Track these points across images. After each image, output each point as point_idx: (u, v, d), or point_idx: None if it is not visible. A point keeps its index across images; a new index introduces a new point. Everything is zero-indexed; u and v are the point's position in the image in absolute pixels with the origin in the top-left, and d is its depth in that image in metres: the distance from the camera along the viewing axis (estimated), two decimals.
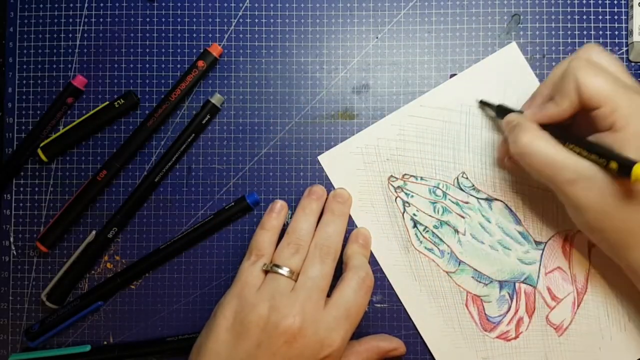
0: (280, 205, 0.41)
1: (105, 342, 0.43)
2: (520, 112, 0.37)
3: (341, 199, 0.41)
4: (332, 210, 0.40)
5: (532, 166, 0.34)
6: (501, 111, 0.39)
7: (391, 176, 0.42)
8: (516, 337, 0.41)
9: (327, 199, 0.41)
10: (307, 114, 0.43)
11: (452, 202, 0.41)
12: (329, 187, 0.42)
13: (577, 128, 0.36)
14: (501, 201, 0.41)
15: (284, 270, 0.36)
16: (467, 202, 0.41)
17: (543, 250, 0.41)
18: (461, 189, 0.41)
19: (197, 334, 0.41)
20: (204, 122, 0.42)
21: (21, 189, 0.43)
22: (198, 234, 0.42)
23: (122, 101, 0.42)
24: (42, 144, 0.42)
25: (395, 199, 0.42)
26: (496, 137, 0.41)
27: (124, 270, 0.43)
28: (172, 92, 0.42)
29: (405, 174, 0.42)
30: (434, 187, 0.42)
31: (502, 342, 0.41)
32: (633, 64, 0.42)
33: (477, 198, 0.41)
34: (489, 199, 0.41)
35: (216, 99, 0.42)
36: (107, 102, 0.42)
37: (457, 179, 0.41)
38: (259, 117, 0.43)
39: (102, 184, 0.42)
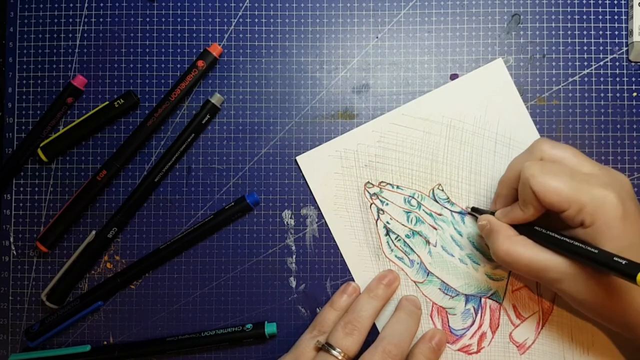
0: (352, 288, 0.41)
1: (105, 342, 0.43)
2: (492, 212, 0.38)
3: (414, 304, 0.40)
4: (404, 309, 0.40)
5: (516, 270, 0.34)
6: (475, 211, 0.40)
7: (368, 182, 0.42)
8: (478, 351, 0.41)
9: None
10: (307, 114, 0.43)
11: (426, 213, 0.41)
12: (305, 188, 0.42)
13: (550, 220, 0.35)
14: (474, 215, 0.41)
15: (337, 352, 0.36)
16: (440, 214, 0.41)
17: None
18: (436, 201, 0.41)
19: (197, 334, 0.42)
20: (203, 122, 0.42)
21: (21, 189, 0.43)
22: (198, 234, 0.42)
23: (122, 101, 0.42)
24: (42, 144, 0.42)
25: (370, 205, 0.42)
26: (475, 153, 0.41)
27: (124, 270, 0.43)
28: (172, 92, 0.42)
29: (382, 182, 0.42)
30: (410, 196, 0.42)
31: (463, 355, 0.41)
32: (633, 64, 0.42)
33: (451, 211, 0.41)
34: (463, 213, 0.41)
35: (216, 99, 0.42)
36: (107, 102, 0.42)
37: (433, 191, 0.42)
38: (259, 117, 0.43)
39: (102, 184, 0.42)
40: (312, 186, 0.42)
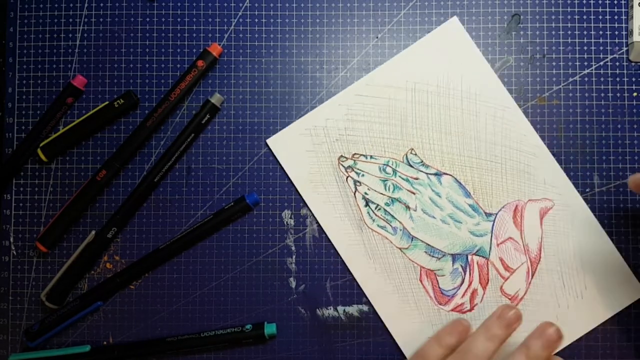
0: (464, 328, 0.38)
1: (105, 342, 0.43)
2: None
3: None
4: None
5: None
6: None
7: (341, 156, 0.42)
8: (471, 309, 0.41)
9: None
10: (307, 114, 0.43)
11: (402, 178, 0.42)
12: (280, 171, 0.42)
13: None
14: (450, 175, 0.41)
15: None
16: (416, 178, 0.41)
17: (494, 221, 0.41)
18: (410, 165, 0.42)
19: (196, 334, 0.42)
20: (203, 122, 0.42)
21: (21, 189, 0.43)
22: (198, 234, 0.42)
23: (122, 101, 0.42)
24: (42, 144, 0.42)
25: (347, 178, 0.42)
26: (442, 113, 0.41)
27: (123, 271, 0.43)
28: (172, 92, 0.42)
29: (355, 154, 0.42)
30: (384, 164, 0.42)
31: (457, 314, 0.41)
32: (633, 64, 0.41)
33: (427, 173, 0.42)
34: (438, 174, 0.41)
35: (216, 99, 0.42)
36: (107, 102, 0.42)
37: (406, 156, 0.42)
38: (259, 117, 0.43)
39: (102, 184, 0.42)
40: (286, 167, 0.42)
